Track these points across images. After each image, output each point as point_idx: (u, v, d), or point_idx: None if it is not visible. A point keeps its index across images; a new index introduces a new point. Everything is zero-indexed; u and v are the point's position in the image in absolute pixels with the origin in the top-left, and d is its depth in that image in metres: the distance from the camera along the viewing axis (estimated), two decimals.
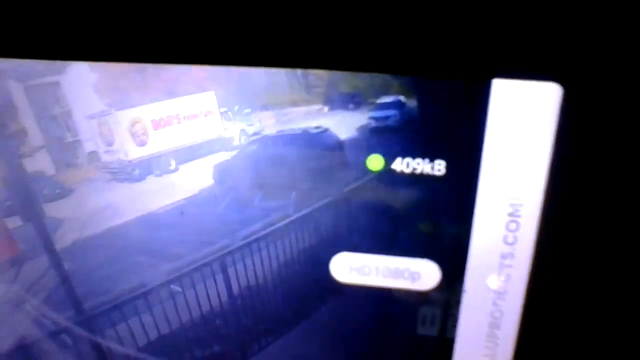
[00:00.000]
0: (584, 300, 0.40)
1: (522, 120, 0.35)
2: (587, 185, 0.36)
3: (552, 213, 0.37)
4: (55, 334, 0.55)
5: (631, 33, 0.32)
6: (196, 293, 0.57)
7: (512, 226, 0.38)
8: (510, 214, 0.37)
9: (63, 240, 0.52)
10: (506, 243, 0.38)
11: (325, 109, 0.43)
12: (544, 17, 0.33)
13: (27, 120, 0.48)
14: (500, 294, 0.40)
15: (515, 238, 0.38)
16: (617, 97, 0.34)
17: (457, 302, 0.41)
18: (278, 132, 0.44)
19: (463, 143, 0.37)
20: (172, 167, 0.50)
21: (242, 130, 0.46)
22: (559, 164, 0.36)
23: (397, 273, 0.43)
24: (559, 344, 0.41)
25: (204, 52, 0.37)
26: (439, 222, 0.42)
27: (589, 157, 0.35)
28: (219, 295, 0.57)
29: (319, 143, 0.44)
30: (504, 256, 0.39)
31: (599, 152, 0.35)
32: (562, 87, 0.33)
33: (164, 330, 0.58)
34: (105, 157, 0.51)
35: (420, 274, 0.42)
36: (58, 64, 0.43)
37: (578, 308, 0.40)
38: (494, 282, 0.40)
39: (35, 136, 0.48)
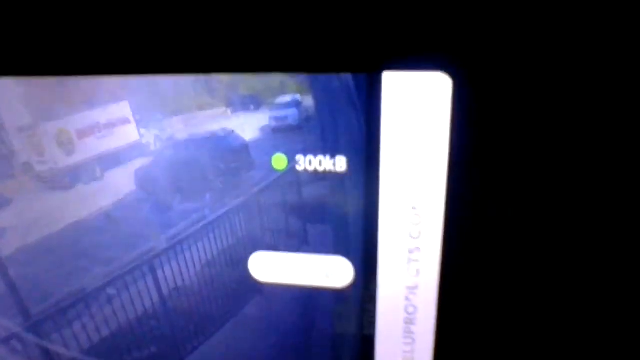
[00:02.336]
0: (497, 292, 0.38)
1: (417, 112, 0.32)
2: (488, 175, 0.35)
3: (455, 205, 0.35)
4: (5, 341, 0.54)
5: (520, 18, 0.30)
6: (130, 295, 0.56)
7: (416, 220, 0.36)
8: (414, 207, 0.36)
9: (7, 248, 0.50)
10: (412, 237, 0.36)
11: (229, 111, 0.42)
12: (433, 7, 0.31)
13: None
14: (411, 288, 0.38)
15: (420, 232, 0.36)
16: (509, 83, 0.32)
17: (372, 298, 0.40)
18: (189, 136, 0.43)
19: (362, 138, 0.35)
20: (98, 174, 0.49)
21: (157, 136, 0.45)
22: (457, 155, 0.34)
23: (312, 270, 0.41)
24: (476, 337, 0.39)
25: (115, 63, 0.36)
26: (347, 218, 0.40)
27: (488, 146, 0.34)
28: (151, 297, 0.56)
29: (225, 145, 0.42)
30: (411, 250, 0.37)
31: (497, 140, 0.33)
32: (451, 77, 0.32)
33: (105, 332, 0.56)
34: (38, 167, 0.49)
35: (333, 271, 0.40)
36: None
37: (492, 300, 0.38)
38: (404, 276, 0.38)
39: None
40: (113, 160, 0.48)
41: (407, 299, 0.38)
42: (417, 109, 0.32)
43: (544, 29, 0.30)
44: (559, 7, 0.29)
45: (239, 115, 0.41)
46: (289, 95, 0.38)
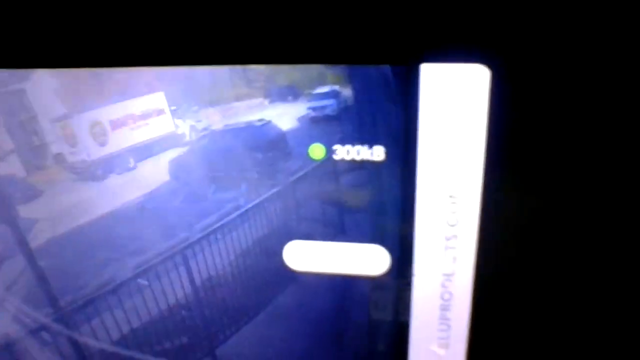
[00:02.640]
0: (532, 280, 0.38)
1: (454, 104, 0.33)
2: (524, 165, 0.35)
3: (492, 193, 0.36)
4: (35, 331, 0.54)
5: (558, 10, 0.31)
6: (162, 286, 0.56)
7: (453, 208, 0.36)
8: (451, 196, 0.36)
9: (37, 239, 0.51)
10: (449, 225, 0.37)
11: (266, 102, 0.41)
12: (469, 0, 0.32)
13: None
14: (447, 275, 0.38)
15: (457, 220, 0.36)
16: (548, 75, 0.32)
17: (407, 286, 0.40)
18: (224, 126, 0.43)
19: (399, 128, 0.36)
20: (131, 164, 0.49)
21: (192, 127, 0.45)
22: (494, 144, 0.34)
23: (348, 259, 0.41)
24: (511, 324, 0.40)
25: (150, 55, 0.37)
26: (384, 207, 0.40)
27: (524, 137, 0.34)
28: (183, 287, 0.56)
29: (262, 135, 0.42)
30: (448, 238, 0.37)
31: (534, 131, 0.34)
32: (489, 69, 0.32)
33: (135, 323, 0.57)
34: (70, 158, 0.49)
35: (370, 259, 0.41)
36: (23, 72, 0.43)
37: (527, 288, 0.38)
38: (441, 264, 0.38)
39: (5, 141, 0.47)
40: (147, 150, 0.48)
41: (443, 285, 0.38)
42: (455, 100, 0.33)
43: (582, 21, 0.30)
44: (597, 2, 0.30)
45: (276, 105, 0.41)
46: (327, 85, 0.38)
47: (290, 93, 0.40)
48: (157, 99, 0.44)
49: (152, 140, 0.47)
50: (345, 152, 0.38)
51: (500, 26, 0.31)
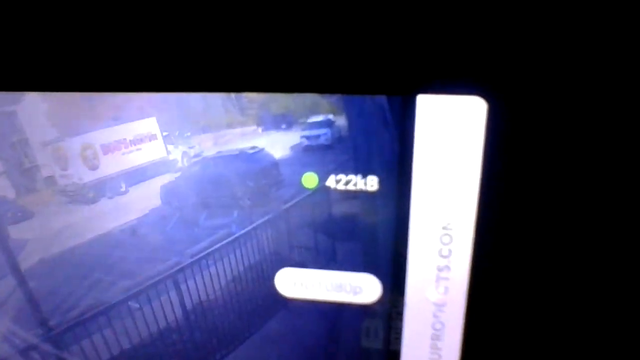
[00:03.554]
0: (524, 312, 0.37)
1: (450, 135, 0.32)
2: (518, 196, 0.34)
3: (485, 225, 0.35)
4: (24, 352, 0.53)
5: (553, 44, 0.30)
6: (152, 309, 0.55)
7: (446, 239, 0.35)
8: (444, 227, 0.35)
9: (28, 260, 0.50)
10: (441, 256, 0.36)
11: (260, 129, 0.41)
12: (467, 32, 0.31)
13: None
14: (439, 306, 0.37)
15: (450, 251, 0.36)
16: (545, 109, 0.32)
17: (399, 315, 0.39)
18: (217, 153, 0.42)
19: (394, 159, 0.35)
20: (123, 189, 0.48)
21: (184, 153, 0.44)
22: (489, 177, 0.33)
23: (339, 287, 0.40)
24: (503, 355, 0.39)
25: (144, 80, 0.36)
26: (376, 236, 0.39)
27: (520, 170, 0.33)
28: (173, 311, 0.55)
29: (255, 163, 0.42)
30: (440, 269, 0.36)
31: (529, 165, 0.33)
32: (486, 101, 0.32)
33: (125, 345, 0.56)
34: (61, 181, 0.48)
35: (361, 287, 0.40)
36: (14, 94, 0.42)
37: (519, 320, 0.38)
38: (433, 294, 0.37)
39: None
40: (138, 175, 0.47)
41: (434, 315, 0.37)
42: (451, 132, 0.32)
43: (578, 57, 0.30)
44: (594, 35, 0.29)
45: (269, 133, 0.40)
46: (321, 114, 0.37)
47: (284, 121, 0.39)
48: (149, 124, 0.43)
49: (144, 165, 0.47)
50: (339, 182, 0.37)
51: (497, 59, 0.31)
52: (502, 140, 0.32)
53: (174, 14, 0.34)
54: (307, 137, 0.39)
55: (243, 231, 0.46)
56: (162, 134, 0.44)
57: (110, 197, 0.48)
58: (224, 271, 0.52)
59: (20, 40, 0.36)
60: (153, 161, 0.46)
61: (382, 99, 0.34)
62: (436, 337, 0.38)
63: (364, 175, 0.37)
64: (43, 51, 0.36)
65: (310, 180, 0.38)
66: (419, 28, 0.31)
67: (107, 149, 0.47)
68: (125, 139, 0.46)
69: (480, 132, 0.32)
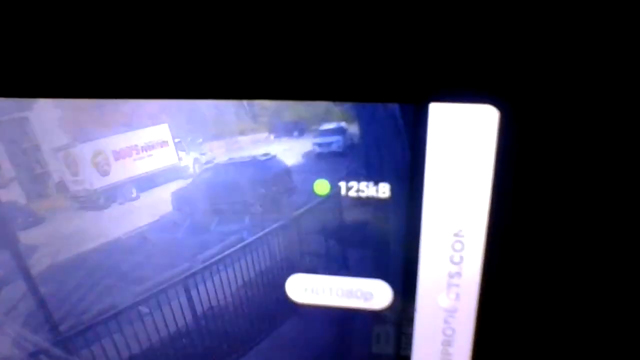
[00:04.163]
0: (535, 318, 0.38)
1: (462, 143, 0.32)
2: (529, 203, 0.34)
3: (497, 233, 0.35)
4: (34, 355, 0.53)
5: (565, 53, 0.30)
6: (163, 314, 0.55)
7: (458, 246, 0.35)
8: (456, 234, 0.35)
9: (38, 265, 0.50)
10: (453, 262, 0.36)
11: (272, 136, 0.41)
12: (480, 41, 0.31)
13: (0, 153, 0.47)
14: (450, 312, 0.38)
15: (462, 258, 0.35)
16: (556, 117, 0.32)
17: (410, 321, 0.39)
18: (229, 160, 0.42)
19: (406, 166, 0.35)
20: (134, 195, 0.48)
21: (196, 159, 0.44)
22: (501, 185, 0.34)
23: (350, 293, 0.41)
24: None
25: (156, 87, 0.36)
26: (387, 243, 0.40)
27: (531, 178, 0.34)
28: (184, 316, 0.55)
29: (267, 170, 0.42)
30: (451, 275, 0.36)
31: (541, 172, 0.33)
32: (499, 110, 0.32)
33: (135, 350, 0.55)
34: (72, 187, 0.48)
35: (372, 293, 0.40)
36: (26, 101, 0.42)
37: (530, 326, 0.38)
38: (444, 300, 0.37)
39: (7, 169, 0.46)
40: (150, 181, 0.47)
41: (445, 321, 0.37)
42: (463, 140, 0.32)
43: (590, 64, 0.30)
44: (606, 44, 0.29)
45: (281, 140, 0.40)
46: (334, 122, 0.37)
47: (297, 128, 0.39)
48: (161, 131, 0.43)
49: (155, 171, 0.46)
50: (351, 189, 0.37)
51: (509, 68, 0.31)
52: (513, 148, 0.32)
53: (187, 22, 0.34)
54: (319, 145, 0.39)
55: (254, 237, 0.46)
56: (174, 140, 0.44)
57: (122, 203, 0.48)
58: (235, 277, 0.52)
59: (32, 47, 0.36)
60: (164, 167, 0.46)
61: (394, 106, 0.35)
62: (447, 342, 0.38)
63: (376, 183, 0.37)
64: (55, 58, 0.36)
65: (322, 187, 0.38)
66: (432, 36, 0.31)
67: (119, 155, 0.47)
68: (136, 145, 0.46)
69: (492, 140, 0.32)
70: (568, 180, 0.33)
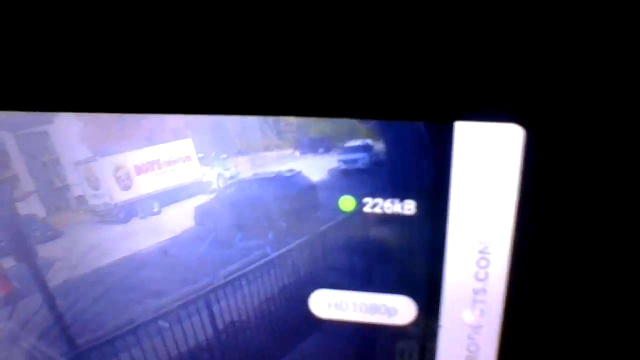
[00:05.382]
0: (559, 336, 0.38)
1: (487, 161, 0.33)
2: (554, 221, 0.35)
3: (521, 250, 0.35)
4: None
5: (590, 72, 0.30)
6: (183, 329, 0.55)
7: (483, 263, 0.36)
8: (480, 251, 0.35)
9: (55, 278, 0.50)
10: (477, 279, 0.36)
11: (297, 153, 0.41)
12: (505, 61, 0.31)
13: (19, 167, 0.47)
14: (475, 328, 0.38)
15: (487, 274, 0.36)
16: (580, 136, 0.32)
17: (433, 336, 0.39)
18: (253, 175, 0.43)
19: (431, 184, 0.35)
20: (156, 209, 0.49)
21: (220, 174, 0.45)
22: (526, 203, 0.34)
23: (374, 309, 0.41)
24: None
25: (181, 102, 0.36)
26: (412, 259, 0.40)
27: (555, 195, 0.34)
28: (204, 331, 0.55)
29: (291, 186, 0.42)
30: (476, 292, 0.37)
31: (566, 191, 0.33)
32: (524, 128, 0.32)
33: None
34: (92, 201, 0.49)
35: (396, 309, 0.40)
36: (46, 115, 0.43)
37: (554, 343, 0.38)
38: (469, 316, 0.38)
39: (27, 182, 0.47)
40: (172, 196, 0.47)
41: (469, 337, 0.38)
42: (488, 159, 0.33)
43: (615, 84, 0.30)
44: (631, 64, 0.30)
45: (306, 157, 0.40)
46: (359, 139, 0.38)
47: (322, 145, 0.40)
48: (184, 146, 0.44)
49: (178, 186, 0.47)
50: (376, 205, 0.38)
51: (534, 87, 0.31)
52: (538, 167, 0.33)
53: (212, 38, 0.34)
54: (345, 161, 0.39)
55: (278, 253, 0.47)
56: (197, 155, 0.45)
57: (143, 217, 0.48)
58: (258, 292, 0.52)
59: (53, 61, 0.37)
60: (187, 182, 0.47)
61: (420, 125, 0.35)
62: (471, 359, 0.39)
63: (401, 199, 0.37)
64: (76, 72, 0.37)
65: (347, 203, 0.39)
66: (458, 56, 0.32)
67: (140, 169, 0.47)
68: (159, 160, 0.47)
69: (517, 159, 0.32)
70: (593, 198, 0.33)
